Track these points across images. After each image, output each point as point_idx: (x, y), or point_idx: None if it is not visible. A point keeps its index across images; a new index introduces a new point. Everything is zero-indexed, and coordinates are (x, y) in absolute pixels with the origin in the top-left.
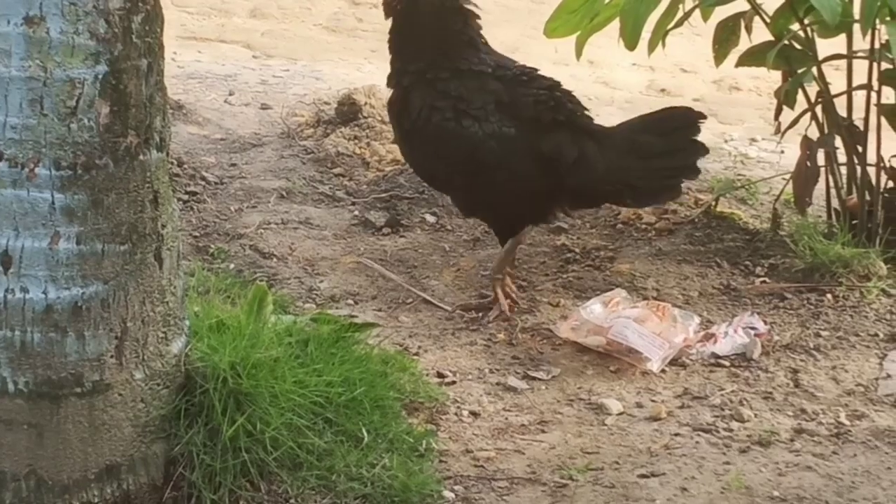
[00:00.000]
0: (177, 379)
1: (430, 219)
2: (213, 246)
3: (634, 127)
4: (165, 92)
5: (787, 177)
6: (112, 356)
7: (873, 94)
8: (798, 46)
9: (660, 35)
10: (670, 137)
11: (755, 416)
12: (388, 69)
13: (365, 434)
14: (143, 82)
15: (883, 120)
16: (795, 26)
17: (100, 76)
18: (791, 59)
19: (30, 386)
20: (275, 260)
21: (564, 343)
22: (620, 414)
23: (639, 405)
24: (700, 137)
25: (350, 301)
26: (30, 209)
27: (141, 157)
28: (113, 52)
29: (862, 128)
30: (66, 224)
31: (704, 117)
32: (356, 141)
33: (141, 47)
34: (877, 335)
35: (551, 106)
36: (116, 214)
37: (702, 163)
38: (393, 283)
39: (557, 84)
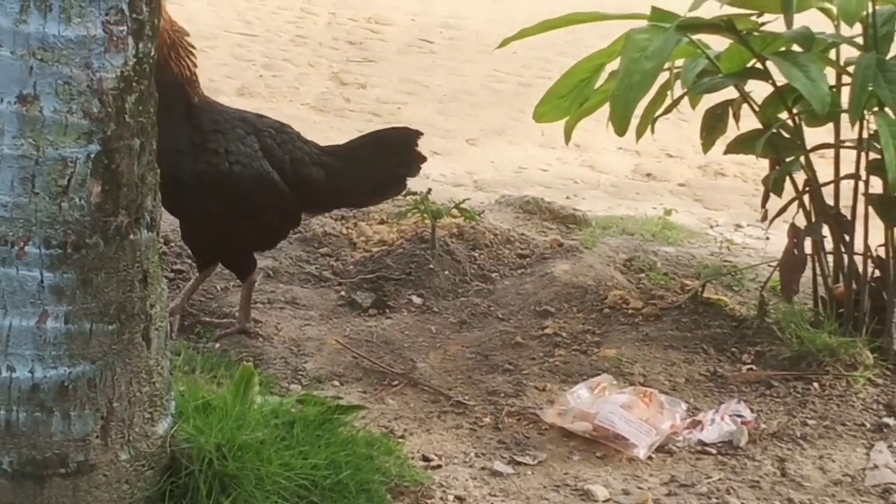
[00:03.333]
0: (162, 460)
1: (417, 300)
2: (198, 325)
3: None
4: (157, 172)
5: (774, 264)
6: (97, 436)
7: (861, 184)
8: (786, 135)
9: (648, 121)
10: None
11: None
12: None
13: None
14: (135, 162)
15: (870, 209)
16: (784, 115)
17: (92, 155)
18: (779, 148)
19: (14, 466)
20: (261, 340)
21: (551, 428)
22: (607, 501)
23: (625, 492)
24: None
25: (336, 382)
26: (18, 287)
27: (131, 236)
28: (106, 132)
29: (849, 216)
30: (54, 303)
31: (420, 134)
32: (343, 221)
33: (134, 127)
34: (864, 425)
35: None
36: (105, 294)
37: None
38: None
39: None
